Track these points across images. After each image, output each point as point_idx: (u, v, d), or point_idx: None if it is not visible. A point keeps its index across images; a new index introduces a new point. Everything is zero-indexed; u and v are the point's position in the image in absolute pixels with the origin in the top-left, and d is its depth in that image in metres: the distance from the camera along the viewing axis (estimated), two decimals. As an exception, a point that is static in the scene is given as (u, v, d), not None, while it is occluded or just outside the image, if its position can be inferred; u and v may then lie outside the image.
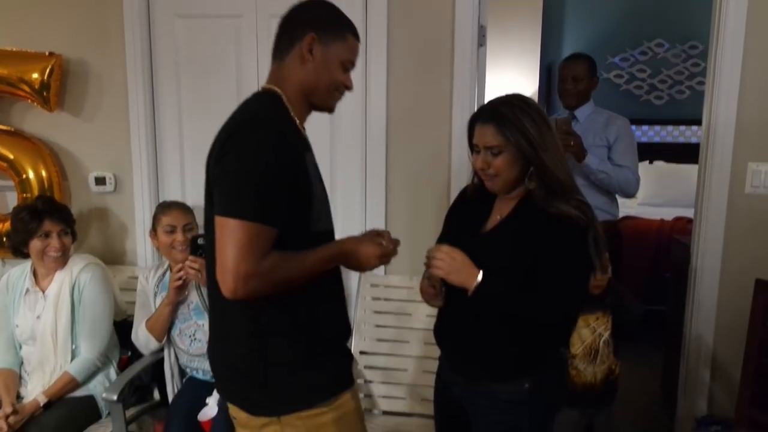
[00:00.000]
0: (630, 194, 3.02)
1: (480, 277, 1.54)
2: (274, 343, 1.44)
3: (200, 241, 2.22)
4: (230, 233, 1.29)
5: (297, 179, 1.36)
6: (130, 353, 2.58)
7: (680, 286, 2.84)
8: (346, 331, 1.61)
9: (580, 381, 1.82)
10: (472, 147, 1.67)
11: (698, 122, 5.35)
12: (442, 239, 1.77)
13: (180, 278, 2.31)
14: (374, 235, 1.51)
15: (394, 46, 2.58)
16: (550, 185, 1.57)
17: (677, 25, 5.44)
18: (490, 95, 2.75)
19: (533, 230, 1.58)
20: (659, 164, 5.47)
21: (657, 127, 5.61)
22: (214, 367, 1.62)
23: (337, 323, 1.57)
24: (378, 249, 1.47)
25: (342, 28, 1.49)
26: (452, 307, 1.70)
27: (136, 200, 2.87)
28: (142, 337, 2.42)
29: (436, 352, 2.60)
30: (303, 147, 1.42)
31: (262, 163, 1.30)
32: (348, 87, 1.54)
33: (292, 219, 1.36)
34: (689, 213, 4.26)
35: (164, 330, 2.40)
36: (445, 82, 2.62)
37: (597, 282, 1.88)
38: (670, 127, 5.60)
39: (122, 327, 2.57)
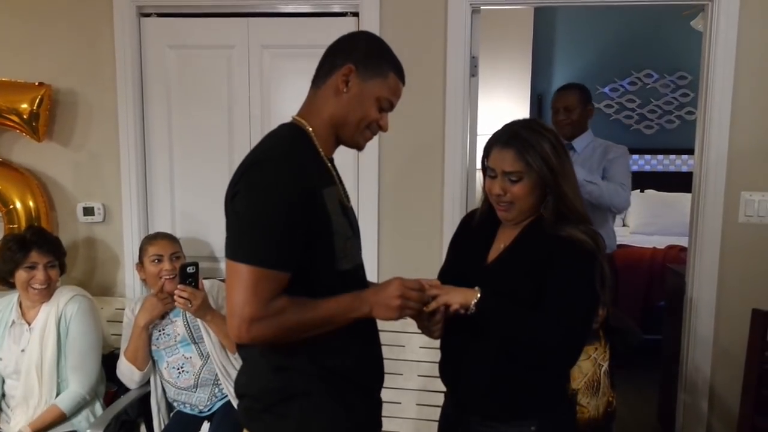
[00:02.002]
0: (621, 207, 2.89)
1: (479, 293, 1.47)
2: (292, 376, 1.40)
3: (190, 269, 2.19)
4: (236, 277, 1.26)
5: (312, 218, 1.31)
6: (116, 388, 2.52)
7: (675, 315, 2.82)
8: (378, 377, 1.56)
9: (583, 418, 1.77)
10: (486, 171, 1.60)
11: (688, 151, 5.55)
12: (445, 271, 1.73)
13: (165, 292, 2.32)
14: (399, 283, 1.38)
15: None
16: (563, 214, 1.52)
17: (665, 56, 5.50)
18: (482, 124, 2.79)
19: (539, 255, 1.52)
20: (650, 193, 5.48)
21: (647, 156, 5.64)
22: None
23: (367, 365, 1.51)
24: (397, 300, 1.35)
25: (385, 65, 1.43)
26: (456, 343, 1.64)
27: (125, 231, 2.84)
28: (125, 369, 2.37)
29: (431, 384, 2.59)
30: (324, 182, 1.37)
31: (272, 204, 1.26)
32: (381, 127, 1.46)
33: (311, 259, 1.32)
34: (681, 241, 4.30)
35: (145, 358, 2.35)
36: (437, 112, 2.63)
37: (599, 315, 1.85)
38: (660, 156, 5.63)
39: (109, 360, 2.51)
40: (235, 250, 1.29)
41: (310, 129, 1.42)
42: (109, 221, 2.86)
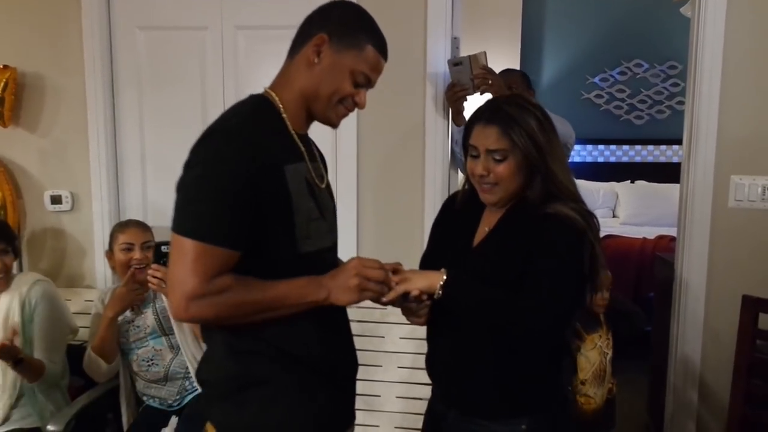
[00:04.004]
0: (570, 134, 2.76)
1: (445, 275, 1.37)
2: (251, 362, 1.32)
3: (164, 248, 2.10)
4: (179, 251, 1.19)
5: (269, 195, 1.23)
6: (83, 382, 2.42)
7: (665, 305, 2.73)
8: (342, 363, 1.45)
9: (590, 408, 1.69)
10: (467, 150, 1.50)
11: (679, 142, 5.34)
12: (428, 256, 1.64)
13: (135, 282, 2.20)
14: (355, 262, 1.29)
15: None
16: (552, 194, 1.43)
17: (655, 46, 5.44)
18: (468, 110, 2.70)
19: (525, 235, 1.42)
20: (641, 184, 5.42)
21: (638, 147, 5.57)
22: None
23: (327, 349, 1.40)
24: (354, 279, 1.26)
25: (362, 36, 1.33)
26: (443, 336, 1.55)
27: (95, 219, 2.75)
28: (92, 363, 2.27)
29: (411, 376, 2.50)
30: (288, 157, 1.28)
31: (221, 177, 1.18)
32: (357, 104, 1.36)
33: (268, 239, 1.24)
34: (671, 232, 4.20)
35: (113, 351, 2.26)
36: (418, 93, 2.54)
37: (600, 300, 1.77)
38: (650, 147, 5.57)
39: (77, 353, 2.41)
40: (179, 223, 1.20)
41: (279, 101, 1.33)
42: (77, 210, 2.77)
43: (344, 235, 2.64)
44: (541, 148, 1.41)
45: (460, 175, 2.50)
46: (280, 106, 1.34)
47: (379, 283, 1.30)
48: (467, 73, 2.38)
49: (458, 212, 1.60)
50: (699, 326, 2.49)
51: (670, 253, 3.08)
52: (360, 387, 2.46)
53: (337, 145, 2.60)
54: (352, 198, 2.64)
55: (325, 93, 1.33)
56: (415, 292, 1.36)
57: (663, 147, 5.55)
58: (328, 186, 1.48)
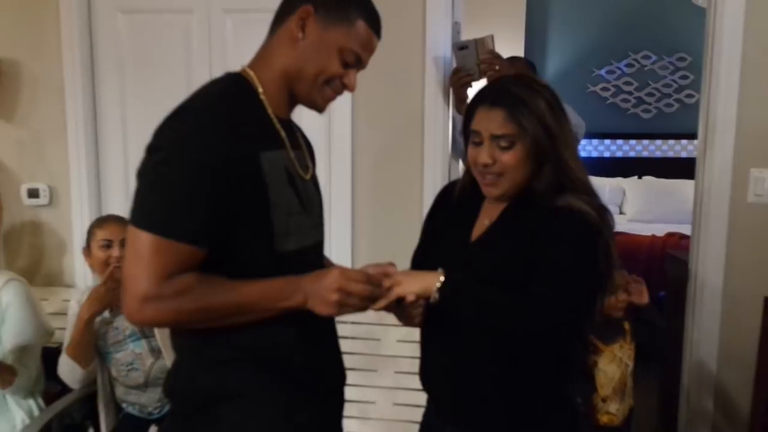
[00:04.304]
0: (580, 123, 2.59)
1: (442, 276, 1.23)
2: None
3: None
4: (135, 245, 1.05)
5: (242, 185, 1.08)
6: (60, 388, 2.27)
7: (677, 305, 2.59)
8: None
9: (613, 426, 1.54)
10: (468, 136, 1.34)
11: (688, 136, 5.36)
12: (420, 251, 1.49)
13: (114, 281, 2.05)
14: (338, 274, 1.13)
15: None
16: (562, 185, 1.28)
17: (664, 37, 5.28)
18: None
19: (530, 229, 1.27)
20: (649, 179, 5.27)
21: (645, 142, 5.42)
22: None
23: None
24: (334, 294, 1.11)
25: (352, 10, 1.19)
26: (439, 342, 1.39)
27: (74, 214, 2.61)
28: (66, 367, 2.13)
29: (408, 382, 2.35)
30: (265, 144, 1.15)
31: (187, 163, 1.04)
32: (346, 86, 1.22)
33: (240, 235, 1.10)
34: (681, 229, 4.09)
35: (89, 355, 2.12)
36: (416, 81, 2.39)
37: (618, 303, 1.61)
38: (659, 142, 5.41)
39: (54, 356, 2.26)
40: (136, 214, 1.07)
41: (257, 81, 1.19)
42: (56, 204, 2.64)
43: (338, 232, 2.55)
44: (552, 134, 1.26)
45: (462, 167, 2.36)
46: (259, 86, 1.19)
47: (360, 300, 1.15)
48: (473, 57, 2.24)
49: (455, 204, 1.45)
50: (715, 329, 2.33)
51: (681, 251, 2.96)
52: (353, 393, 2.32)
53: (330, 135, 2.46)
54: (346, 192, 2.49)
55: (309, 73, 1.18)
56: (410, 297, 1.22)
57: (671, 141, 5.40)
58: (314, 178, 1.33)
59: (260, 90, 1.18)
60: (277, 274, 1.13)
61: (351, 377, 2.31)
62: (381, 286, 1.20)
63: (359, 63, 1.22)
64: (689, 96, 5.27)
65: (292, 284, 1.12)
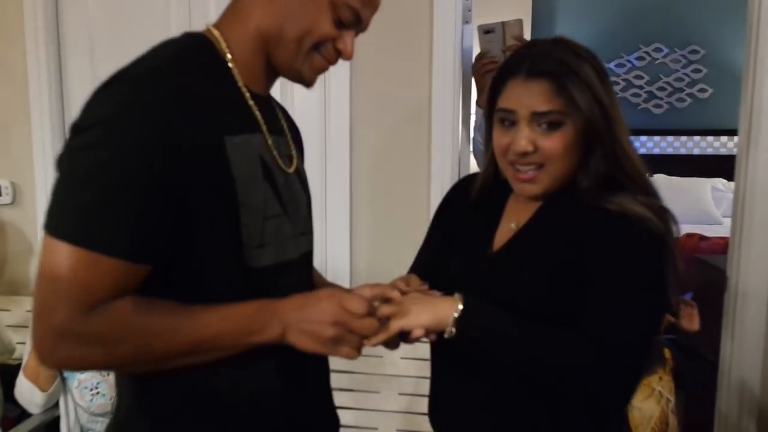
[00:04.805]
0: None
1: (461, 304, 0.96)
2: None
3: None
4: (49, 261, 0.78)
5: (200, 178, 0.82)
6: (20, 411, 2.06)
7: (708, 315, 2.34)
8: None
9: None
10: (491, 117, 1.07)
11: (700, 132, 5.15)
12: (423, 261, 1.22)
13: None
14: (335, 304, 0.85)
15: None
16: (613, 180, 1.02)
17: (676, 29, 5.06)
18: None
19: (574, 240, 1.01)
20: (660, 177, 5.02)
21: (656, 138, 5.20)
22: None
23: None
24: (330, 330, 0.84)
25: None
26: (451, 383, 1.13)
27: (40, 214, 2.33)
28: (24, 389, 1.90)
29: (414, 405, 2.09)
30: (230, 125, 0.88)
31: (123, 149, 0.78)
32: (341, 52, 0.95)
33: (198, 246, 0.83)
34: (696, 229, 3.87)
35: (49, 376, 1.88)
36: (422, 65, 2.13)
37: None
38: (670, 138, 5.20)
39: (9, 376, 2.02)
40: (53, 218, 0.79)
41: (225, 44, 0.91)
42: (19, 203, 2.43)
43: (334, 239, 2.25)
44: (607, 112, 1.00)
45: (473, 168, 2.12)
46: (226, 50, 0.91)
47: (360, 337, 0.87)
48: (499, 42, 2.01)
49: (473, 202, 1.17)
50: (759, 345, 2.09)
51: (712, 255, 2.74)
52: (351, 417, 2.07)
53: (326, 124, 2.20)
54: (343, 192, 2.23)
55: (292, 34, 0.91)
56: (417, 333, 0.94)
57: (683, 138, 5.18)
58: (301, 172, 1.05)
59: (228, 56, 0.91)
60: (248, 298, 0.85)
61: (349, 399, 2.08)
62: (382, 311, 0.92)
63: (358, 22, 0.94)
64: (702, 90, 5.07)
65: (265, 311, 0.84)
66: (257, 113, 0.93)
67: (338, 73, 2.11)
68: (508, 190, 1.11)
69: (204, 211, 0.82)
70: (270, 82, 0.98)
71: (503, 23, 2.02)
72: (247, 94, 0.92)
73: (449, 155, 2.16)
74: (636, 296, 0.96)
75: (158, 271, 0.81)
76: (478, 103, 2.16)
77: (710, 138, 5.12)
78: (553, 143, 1.01)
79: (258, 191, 0.88)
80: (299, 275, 0.99)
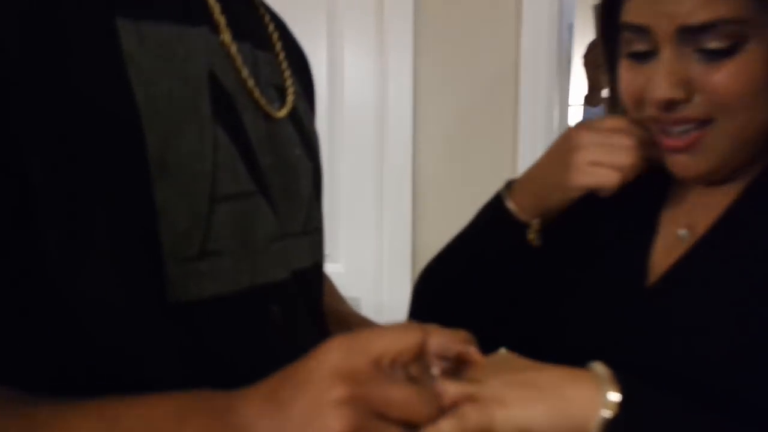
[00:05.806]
0: None
1: (614, 391, 0.49)
2: None
3: None
4: None
5: (57, 110, 0.41)
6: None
7: None
8: None
9: None
10: (613, 42, 0.68)
11: None
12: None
13: None
14: (338, 383, 0.40)
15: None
16: None
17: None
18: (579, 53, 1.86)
19: None
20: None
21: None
22: None
23: None
24: (337, 423, 0.39)
25: None
26: None
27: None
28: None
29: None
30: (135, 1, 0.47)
31: None
32: None
33: (67, 261, 0.42)
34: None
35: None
36: (507, 34, 1.78)
37: None
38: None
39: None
40: None
41: None
42: None
43: (391, 243, 1.83)
44: None
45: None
46: None
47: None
48: None
49: (598, 201, 0.72)
50: None
51: None
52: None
53: (384, 102, 1.78)
54: (405, 184, 1.81)
55: None
56: None
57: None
58: (297, 117, 0.62)
59: None
60: (170, 375, 0.46)
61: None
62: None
63: None
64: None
65: (209, 420, 0.41)
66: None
67: (398, 37, 1.72)
68: (664, 176, 0.67)
69: (66, 185, 0.41)
70: None
71: None
72: None
73: (541, 142, 1.78)
74: None
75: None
76: (587, 100, 1.80)
77: None
78: (724, 78, 0.58)
79: (196, 141, 0.46)
80: (289, 312, 0.55)
